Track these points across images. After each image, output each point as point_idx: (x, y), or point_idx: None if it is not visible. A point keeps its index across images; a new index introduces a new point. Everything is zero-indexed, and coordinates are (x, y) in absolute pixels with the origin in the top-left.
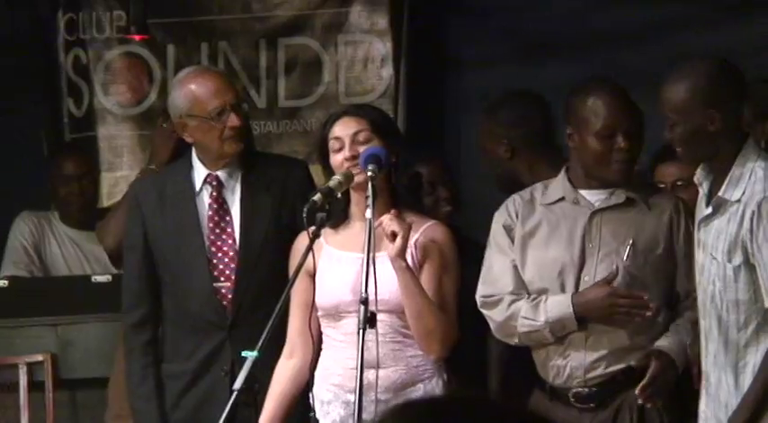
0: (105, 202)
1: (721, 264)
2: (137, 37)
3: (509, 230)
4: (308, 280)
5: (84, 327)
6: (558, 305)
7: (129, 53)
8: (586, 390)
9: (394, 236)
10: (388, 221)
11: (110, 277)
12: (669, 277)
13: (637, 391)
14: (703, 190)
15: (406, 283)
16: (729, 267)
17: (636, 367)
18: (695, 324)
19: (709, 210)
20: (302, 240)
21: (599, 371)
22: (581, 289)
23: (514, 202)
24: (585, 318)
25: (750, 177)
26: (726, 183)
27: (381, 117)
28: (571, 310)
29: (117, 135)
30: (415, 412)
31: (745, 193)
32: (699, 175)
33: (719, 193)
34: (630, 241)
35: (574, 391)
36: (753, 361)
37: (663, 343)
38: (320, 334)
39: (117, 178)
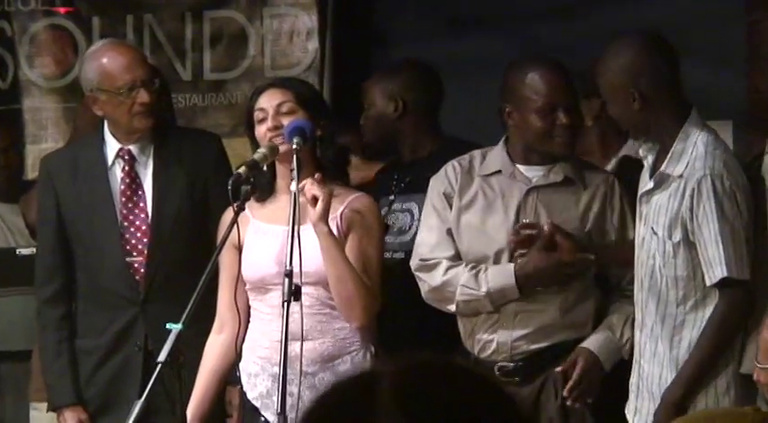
0: (30, 174)
1: (661, 239)
2: (62, 9)
3: (448, 198)
4: (234, 254)
5: (7, 300)
6: (499, 275)
7: (54, 25)
8: (512, 364)
9: (315, 200)
10: (309, 186)
11: (35, 250)
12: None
13: (564, 393)
14: (647, 163)
15: (327, 247)
16: (669, 243)
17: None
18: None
19: (651, 184)
20: (229, 214)
21: (525, 347)
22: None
23: (454, 169)
24: (527, 286)
25: (692, 152)
26: (668, 158)
27: (307, 89)
28: (513, 280)
29: (42, 108)
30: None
31: (687, 168)
32: (643, 149)
33: (661, 168)
34: (561, 216)
35: (499, 364)
36: (689, 336)
37: (591, 341)
38: (248, 307)
39: (41, 150)
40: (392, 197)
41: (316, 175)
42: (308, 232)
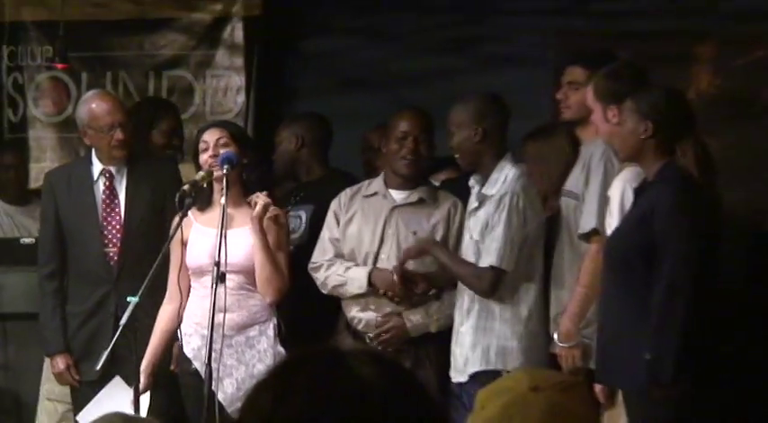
0: (32, 185)
1: (473, 241)
2: (59, 65)
3: (337, 216)
4: (180, 248)
5: (13, 275)
6: (359, 273)
7: (54, 77)
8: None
9: (257, 206)
10: (256, 198)
11: (33, 240)
12: None
13: (372, 336)
14: (475, 190)
15: (257, 240)
16: (474, 243)
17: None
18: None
19: (476, 204)
20: (176, 219)
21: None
22: (378, 264)
23: (345, 194)
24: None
25: (503, 180)
26: (487, 183)
27: (237, 129)
28: (366, 281)
29: (42, 136)
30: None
31: (498, 190)
32: (472, 180)
33: (482, 191)
34: (414, 231)
35: (369, 335)
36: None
37: (411, 315)
38: (189, 287)
39: (42, 168)
40: (289, 207)
41: (264, 193)
42: (235, 234)
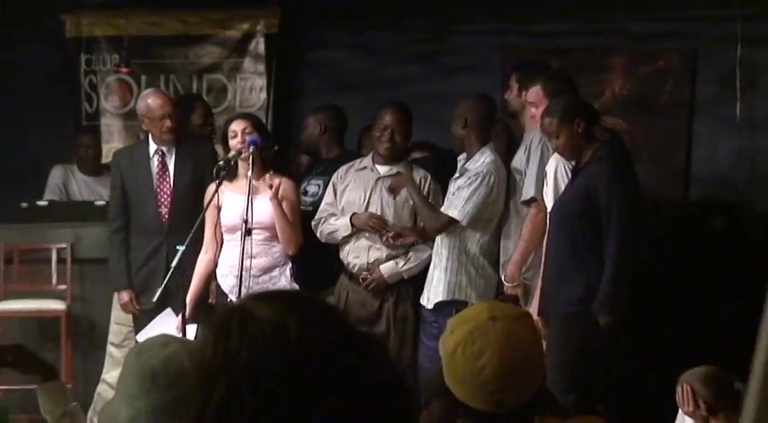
0: (104, 160)
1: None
2: (124, 70)
3: (335, 186)
4: (215, 210)
5: (89, 229)
6: (344, 220)
7: (120, 79)
8: (368, 275)
9: (270, 186)
10: (268, 179)
11: (105, 202)
12: (416, 221)
13: (363, 279)
14: (459, 165)
15: (276, 209)
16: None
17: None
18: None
19: (457, 174)
20: (212, 188)
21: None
22: None
23: (342, 169)
24: (357, 228)
25: (483, 161)
26: (470, 161)
27: (257, 120)
28: (349, 223)
29: (111, 124)
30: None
31: (477, 167)
32: (460, 157)
33: (465, 165)
34: (394, 195)
35: (361, 276)
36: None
37: (385, 265)
38: (222, 240)
39: (110, 148)
40: (311, 177)
41: (270, 173)
42: (258, 199)
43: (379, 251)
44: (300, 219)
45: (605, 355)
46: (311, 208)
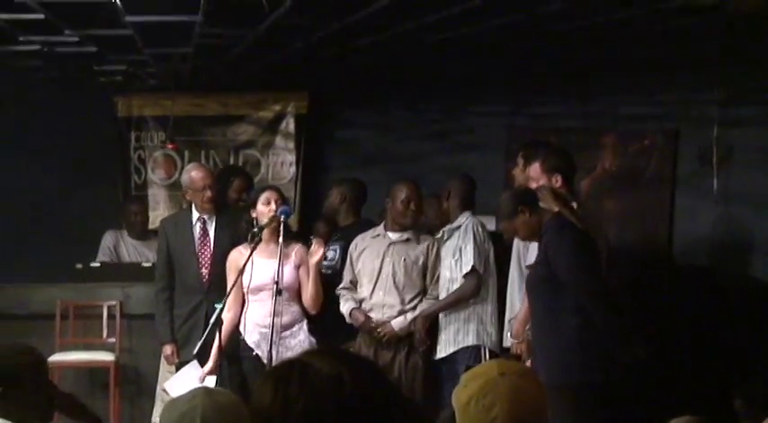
0: (151, 226)
1: (448, 262)
2: (170, 146)
3: (351, 254)
4: (238, 272)
5: (137, 287)
6: (345, 308)
7: (166, 153)
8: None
9: (316, 252)
10: (316, 246)
11: (151, 264)
12: (423, 280)
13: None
14: (445, 229)
15: (314, 274)
16: (449, 263)
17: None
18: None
19: (446, 236)
20: (234, 254)
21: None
22: (380, 281)
23: (358, 238)
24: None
25: (465, 223)
26: (454, 224)
27: (282, 193)
28: (347, 313)
29: (158, 194)
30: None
31: (462, 223)
32: (445, 228)
33: (449, 227)
34: (404, 258)
35: (377, 330)
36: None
37: (395, 320)
38: (242, 300)
39: (157, 215)
40: (330, 243)
41: (317, 241)
42: (285, 266)
43: (391, 309)
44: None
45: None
46: (330, 271)
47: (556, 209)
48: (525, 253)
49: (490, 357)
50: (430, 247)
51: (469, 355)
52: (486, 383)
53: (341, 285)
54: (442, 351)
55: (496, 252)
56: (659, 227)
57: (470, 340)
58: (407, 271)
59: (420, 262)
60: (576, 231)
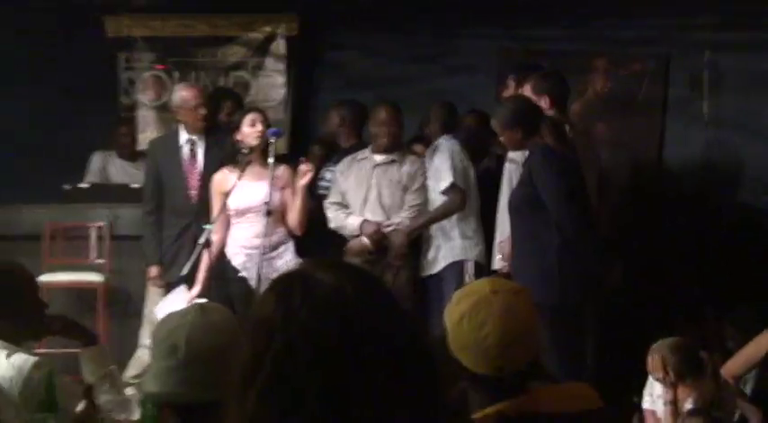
0: (139, 147)
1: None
2: (159, 67)
3: (337, 174)
4: (223, 195)
5: (125, 209)
6: (353, 222)
7: (155, 75)
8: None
9: (305, 174)
10: (304, 167)
11: (139, 186)
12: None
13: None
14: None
15: (301, 196)
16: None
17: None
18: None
19: (428, 158)
20: (218, 175)
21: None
22: (367, 204)
23: (345, 160)
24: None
25: (441, 140)
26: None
27: (266, 115)
28: (358, 228)
29: (147, 115)
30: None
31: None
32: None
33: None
34: (390, 180)
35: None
36: None
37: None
38: (227, 223)
39: (146, 137)
40: (329, 164)
41: (304, 161)
42: (267, 187)
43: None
44: (310, 202)
45: (574, 343)
46: (326, 192)
47: (549, 142)
48: (517, 175)
49: (476, 272)
50: (415, 166)
51: (456, 271)
52: (478, 300)
53: (329, 199)
54: (428, 269)
55: (479, 173)
56: (649, 152)
57: (456, 255)
58: (392, 193)
59: (404, 182)
60: (562, 158)
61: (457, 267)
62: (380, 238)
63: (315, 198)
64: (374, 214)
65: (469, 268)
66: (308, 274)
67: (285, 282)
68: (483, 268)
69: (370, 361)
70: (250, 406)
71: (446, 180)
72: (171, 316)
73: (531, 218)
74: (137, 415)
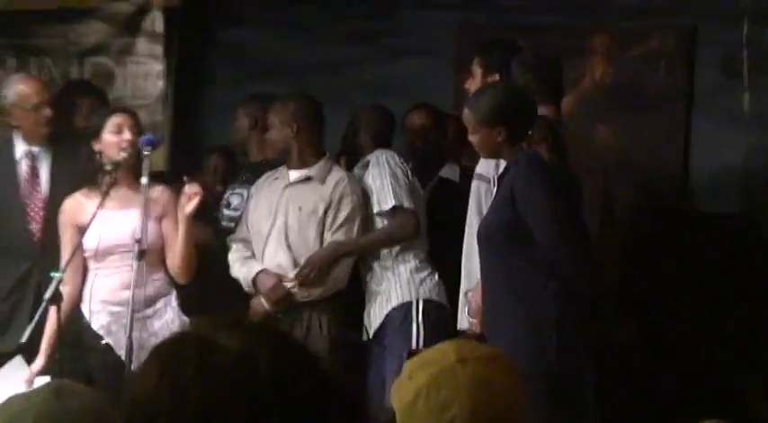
0: None
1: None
2: None
3: (250, 201)
4: (76, 229)
5: None
6: (246, 274)
7: None
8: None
9: (190, 198)
10: (189, 189)
11: None
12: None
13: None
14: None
15: (185, 231)
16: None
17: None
18: None
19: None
20: (70, 203)
21: None
22: (269, 242)
23: (262, 178)
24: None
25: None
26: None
27: (139, 119)
28: (251, 282)
29: None
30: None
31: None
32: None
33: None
34: (300, 207)
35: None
36: None
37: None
38: (83, 268)
39: None
40: (235, 185)
41: (189, 180)
42: (133, 215)
43: (281, 270)
44: (206, 235)
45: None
46: (232, 224)
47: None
48: (489, 198)
49: (429, 314)
50: (339, 186)
51: (402, 315)
52: (440, 373)
53: (234, 235)
54: (369, 328)
55: (429, 194)
56: (671, 161)
57: (400, 295)
58: (302, 226)
59: (320, 211)
60: (558, 171)
61: (402, 311)
62: (283, 297)
63: (216, 232)
64: (274, 258)
65: (419, 310)
66: (205, 338)
67: (172, 348)
68: (441, 310)
69: None
70: None
71: (387, 202)
72: (10, 400)
73: (512, 254)
74: None
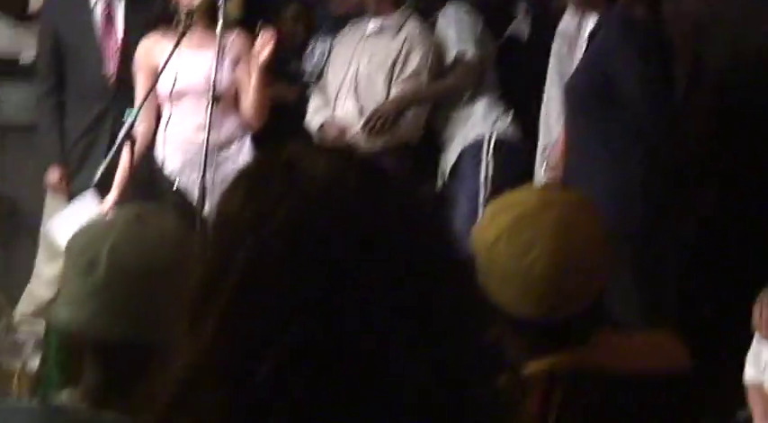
0: (33, 7)
1: None
2: None
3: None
4: (152, 71)
5: (13, 90)
6: (315, 121)
7: None
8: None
9: (264, 46)
10: (268, 39)
11: (32, 58)
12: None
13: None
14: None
15: (259, 75)
16: None
17: None
18: None
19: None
20: (145, 45)
21: None
22: (340, 93)
23: (348, 25)
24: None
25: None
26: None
27: None
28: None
29: None
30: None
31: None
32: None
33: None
34: (370, 57)
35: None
36: None
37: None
38: (159, 110)
39: None
40: (317, 36)
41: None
42: (211, 60)
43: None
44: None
45: (660, 286)
46: (313, 78)
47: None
48: (571, 56)
49: (497, 147)
50: (410, 38)
51: (474, 152)
52: (522, 215)
53: (318, 85)
54: (445, 170)
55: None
56: None
57: (472, 135)
58: (371, 77)
59: (389, 62)
60: (646, 29)
61: (476, 148)
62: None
63: (298, 83)
64: (343, 107)
65: (490, 146)
66: (292, 163)
67: (257, 172)
68: (514, 149)
69: (376, 281)
70: (207, 338)
71: (452, 50)
72: (92, 224)
73: (600, 115)
74: (35, 360)
